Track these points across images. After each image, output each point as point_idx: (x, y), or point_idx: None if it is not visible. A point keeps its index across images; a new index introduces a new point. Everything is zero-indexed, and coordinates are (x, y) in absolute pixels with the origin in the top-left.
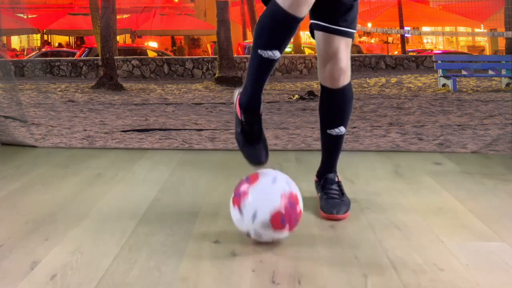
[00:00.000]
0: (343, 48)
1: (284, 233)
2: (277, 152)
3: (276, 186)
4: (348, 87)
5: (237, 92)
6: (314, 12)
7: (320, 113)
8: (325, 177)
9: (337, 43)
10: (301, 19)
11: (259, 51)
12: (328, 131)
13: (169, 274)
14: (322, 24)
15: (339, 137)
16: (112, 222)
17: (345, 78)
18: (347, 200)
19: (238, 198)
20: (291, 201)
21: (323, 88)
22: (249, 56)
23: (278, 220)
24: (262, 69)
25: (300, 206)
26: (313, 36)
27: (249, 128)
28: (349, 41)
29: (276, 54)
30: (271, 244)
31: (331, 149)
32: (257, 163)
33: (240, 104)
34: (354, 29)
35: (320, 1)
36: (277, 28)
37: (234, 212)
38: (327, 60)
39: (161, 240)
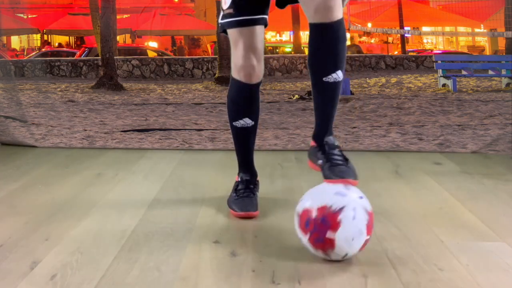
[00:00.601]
0: None
1: (303, 239)
2: (277, 152)
3: (357, 221)
4: (341, 21)
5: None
6: None
7: (312, 59)
8: (325, 141)
9: None
10: (256, 84)
11: (233, 124)
12: (324, 79)
13: (169, 274)
14: None
15: (338, 84)
16: (112, 222)
17: (340, 9)
18: (352, 166)
19: (322, 244)
20: (326, 219)
21: (314, 26)
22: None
23: (304, 220)
24: (242, 138)
25: (337, 233)
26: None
27: (245, 187)
28: None
29: (247, 121)
30: (271, 244)
31: (328, 102)
32: (245, 212)
33: (239, 174)
34: None
35: None
36: (240, 98)
37: (317, 253)
38: None
39: (161, 240)
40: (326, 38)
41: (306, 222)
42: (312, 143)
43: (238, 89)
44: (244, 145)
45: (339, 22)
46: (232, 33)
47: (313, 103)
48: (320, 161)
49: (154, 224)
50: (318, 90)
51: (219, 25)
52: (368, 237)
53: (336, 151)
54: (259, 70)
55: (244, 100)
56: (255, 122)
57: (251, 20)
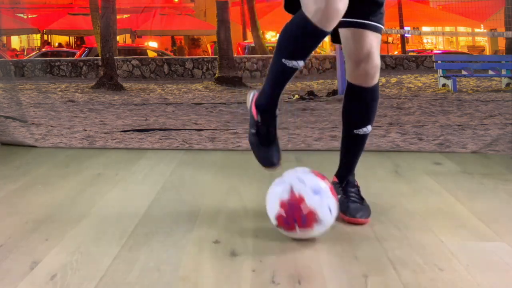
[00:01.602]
0: (376, 44)
1: (297, 232)
2: None
3: (279, 189)
4: (377, 85)
5: (252, 94)
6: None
7: (347, 113)
8: (347, 179)
9: (370, 39)
10: (330, 32)
11: (283, 60)
12: (355, 131)
13: (169, 274)
14: (351, 20)
15: (365, 136)
16: (112, 222)
17: (378, 75)
18: (367, 205)
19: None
20: (291, 203)
21: (354, 87)
22: (249, 56)
23: (282, 222)
24: (284, 77)
25: (308, 203)
26: (334, 40)
27: (265, 129)
28: (379, 37)
29: (300, 64)
30: (271, 244)
31: (355, 149)
32: (269, 165)
33: (257, 106)
34: (383, 25)
35: None
36: (304, 40)
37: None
38: (361, 58)
39: (161, 240)
40: (366, 98)
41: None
42: (334, 178)
43: (307, 30)
44: (282, 86)
45: (376, 86)
46: None
47: (340, 146)
48: (339, 196)
49: (154, 224)
50: (347, 140)
51: None
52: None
53: (354, 190)
54: (339, 17)
55: (310, 43)
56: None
57: None
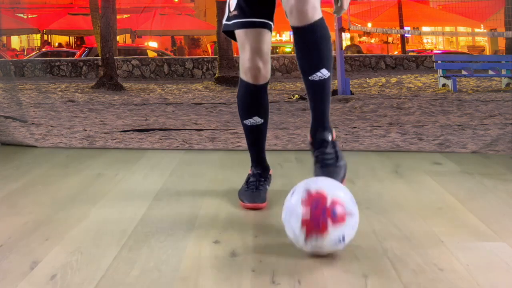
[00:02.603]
0: None
1: (330, 231)
2: (277, 152)
3: (294, 197)
4: (320, 22)
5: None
6: None
7: (299, 61)
8: (317, 137)
9: None
10: (262, 85)
11: (244, 122)
12: (310, 78)
13: (169, 274)
14: None
15: (324, 82)
16: (112, 222)
17: (316, 12)
18: (343, 164)
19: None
20: (314, 202)
21: (293, 29)
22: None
23: (311, 225)
24: (253, 136)
25: (330, 195)
26: None
27: (256, 180)
28: None
29: (257, 119)
30: (271, 244)
31: (317, 98)
32: (252, 203)
33: (251, 168)
34: None
35: None
36: (248, 98)
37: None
38: None
39: (161, 240)
40: (306, 40)
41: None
42: (309, 137)
43: (245, 90)
44: (255, 142)
45: (316, 24)
46: (238, 34)
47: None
48: (313, 159)
49: (154, 224)
50: (307, 89)
51: (223, 25)
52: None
53: (327, 149)
54: (265, 71)
55: (252, 99)
56: (264, 120)
57: (256, 22)
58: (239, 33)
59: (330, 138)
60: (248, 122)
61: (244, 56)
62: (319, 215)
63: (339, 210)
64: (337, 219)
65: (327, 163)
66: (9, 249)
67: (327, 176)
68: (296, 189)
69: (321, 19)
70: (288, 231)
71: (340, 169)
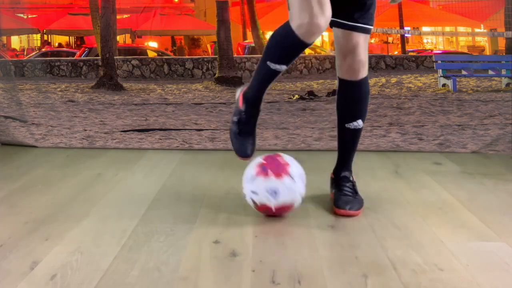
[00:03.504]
0: (362, 42)
1: (273, 180)
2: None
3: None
4: (366, 80)
5: (242, 87)
6: (334, 9)
7: (338, 108)
8: (341, 175)
9: (356, 38)
10: (311, 44)
11: (268, 62)
12: (346, 125)
13: (169, 274)
14: (341, 21)
15: (357, 131)
16: (112, 222)
17: (364, 70)
18: (360, 199)
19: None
20: (263, 211)
21: (342, 81)
22: (249, 56)
23: (260, 169)
24: (268, 77)
25: (273, 205)
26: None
27: (246, 119)
28: (367, 36)
29: (283, 67)
30: (271, 244)
31: (348, 144)
32: (243, 155)
33: (244, 97)
34: (372, 25)
35: None
36: (287, 48)
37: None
38: (347, 54)
39: (161, 240)
40: (353, 92)
41: (262, 167)
42: (331, 175)
43: (292, 42)
44: (269, 82)
45: (363, 81)
46: None
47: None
48: (333, 191)
49: (154, 224)
50: (340, 134)
51: None
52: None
53: (348, 184)
54: (324, 29)
55: (292, 51)
56: (287, 67)
57: None
58: None
59: (351, 178)
60: (273, 66)
61: (306, 4)
62: (268, 165)
63: (283, 168)
64: (279, 173)
65: (346, 193)
66: (9, 249)
67: (346, 203)
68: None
69: (367, 77)
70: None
71: (357, 200)
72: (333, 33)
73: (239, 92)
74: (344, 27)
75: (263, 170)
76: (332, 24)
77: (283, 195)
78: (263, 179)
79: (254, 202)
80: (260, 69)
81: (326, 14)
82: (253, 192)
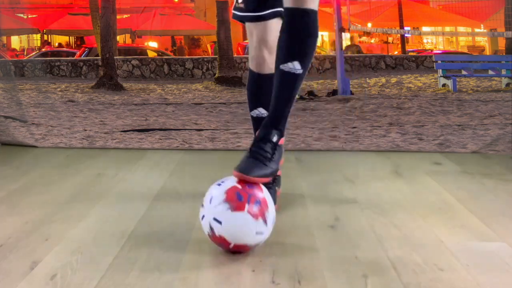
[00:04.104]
0: None
1: (245, 217)
2: None
3: (222, 186)
4: (312, 15)
5: None
6: None
7: (277, 47)
8: (260, 132)
9: None
10: (267, 75)
11: (250, 112)
12: (280, 66)
13: (169, 274)
14: None
15: (291, 76)
16: (112, 222)
17: (313, 2)
18: (274, 167)
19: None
20: (217, 242)
21: (286, 11)
22: (248, 56)
23: (234, 196)
24: (256, 127)
25: (269, 201)
26: None
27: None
28: None
29: (262, 111)
30: (271, 244)
31: (279, 92)
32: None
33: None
34: None
35: None
36: (255, 87)
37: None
38: None
39: (161, 240)
40: (292, 25)
41: (237, 195)
42: (257, 133)
43: (252, 79)
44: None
45: (308, 12)
46: (246, 25)
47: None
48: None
49: (154, 224)
50: (275, 79)
51: (232, 13)
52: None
53: (265, 146)
54: (271, 62)
55: (256, 89)
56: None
57: (260, 16)
58: (246, 24)
59: (275, 139)
60: (254, 113)
61: (251, 44)
62: (244, 193)
63: (263, 204)
64: (257, 212)
65: (256, 156)
66: (9, 249)
67: (249, 167)
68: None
69: (315, 12)
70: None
71: (266, 168)
72: None
73: None
74: None
75: (238, 199)
76: None
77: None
78: (231, 211)
79: (211, 229)
80: (251, 121)
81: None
82: (216, 220)
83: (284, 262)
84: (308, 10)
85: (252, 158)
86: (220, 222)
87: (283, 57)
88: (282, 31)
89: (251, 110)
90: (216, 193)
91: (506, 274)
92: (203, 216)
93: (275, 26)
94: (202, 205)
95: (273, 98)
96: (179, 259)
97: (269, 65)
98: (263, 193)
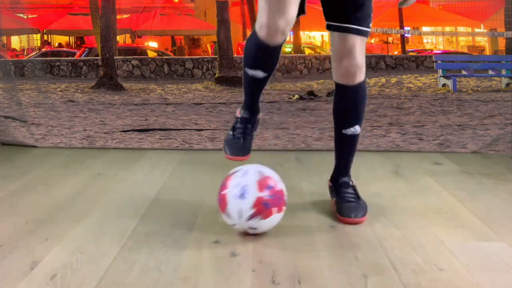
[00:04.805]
0: (358, 45)
1: (276, 217)
2: (277, 152)
3: (248, 177)
4: (363, 84)
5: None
6: (327, 13)
7: (335, 113)
8: (339, 182)
9: (351, 41)
10: (278, 45)
11: (246, 69)
12: (343, 131)
13: (169, 274)
14: (335, 24)
15: (354, 137)
16: (112, 222)
17: (361, 74)
18: (363, 203)
19: (222, 204)
20: (268, 185)
21: (339, 86)
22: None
23: (262, 207)
24: (251, 85)
25: (281, 185)
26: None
27: (241, 124)
28: (364, 39)
29: (259, 73)
30: (271, 244)
31: (345, 150)
32: (232, 154)
33: (240, 108)
34: (368, 27)
35: (331, 1)
36: (255, 52)
37: (224, 218)
38: (343, 57)
39: (161, 240)
40: (349, 97)
41: (264, 205)
42: (329, 183)
43: (256, 45)
44: (252, 89)
45: (360, 85)
46: None
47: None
48: (334, 198)
49: (154, 224)
50: (337, 140)
51: None
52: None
53: (349, 190)
54: (287, 31)
55: (261, 56)
56: (268, 75)
57: None
58: None
59: (351, 183)
60: (250, 72)
61: (264, 7)
62: (273, 201)
63: (283, 200)
64: (281, 210)
65: (348, 199)
66: (9, 249)
67: (350, 211)
68: (249, 171)
69: (364, 81)
70: (233, 205)
71: (361, 206)
72: (330, 37)
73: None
74: (339, 30)
75: (266, 208)
76: (329, 28)
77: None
78: (262, 220)
79: (247, 232)
80: (243, 78)
81: (286, 14)
82: (251, 228)
83: (284, 262)
84: (360, 84)
85: (347, 202)
86: (255, 228)
87: (345, 124)
88: (339, 99)
89: (247, 67)
90: (244, 207)
91: (506, 274)
92: (234, 225)
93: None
94: (229, 216)
95: (339, 156)
96: (179, 259)
97: (282, 36)
98: (277, 182)
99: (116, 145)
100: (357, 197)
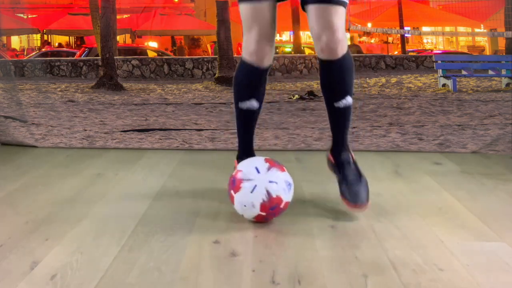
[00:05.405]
0: (337, 17)
1: (287, 174)
2: (277, 152)
3: (255, 195)
4: (347, 55)
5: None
6: None
7: (323, 87)
8: (341, 159)
9: (332, 11)
10: (268, 65)
11: (239, 104)
12: (335, 104)
13: (169, 274)
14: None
15: (347, 108)
16: (112, 222)
17: (343, 48)
18: (365, 182)
19: (237, 181)
20: (272, 206)
21: (322, 62)
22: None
23: (274, 162)
24: (246, 122)
25: (285, 199)
26: (304, 9)
27: None
28: (343, 10)
29: (254, 104)
30: (271, 244)
31: (341, 123)
32: None
33: (237, 157)
34: None
35: None
36: (250, 80)
37: (243, 192)
38: (323, 31)
39: (161, 240)
40: (333, 72)
41: (232, 179)
42: (329, 156)
43: (248, 72)
44: (247, 126)
45: (343, 57)
46: (245, 9)
47: (328, 121)
48: (337, 177)
49: (154, 224)
50: (331, 114)
51: None
52: (261, 213)
53: (351, 168)
54: (272, 53)
55: (252, 82)
56: (260, 106)
57: None
58: (245, 8)
59: (351, 158)
60: (244, 105)
61: (250, 37)
62: (270, 216)
63: (285, 207)
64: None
65: (352, 182)
66: (9, 249)
67: (356, 196)
68: (255, 184)
69: (348, 52)
70: (248, 168)
71: (364, 186)
72: (307, 14)
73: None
74: (318, 2)
75: (276, 163)
76: (305, 4)
77: (291, 191)
78: (280, 171)
79: (268, 194)
80: (237, 116)
81: (270, 37)
82: (271, 182)
83: (284, 262)
84: (344, 56)
85: (353, 186)
86: (276, 183)
87: (335, 97)
88: (325, 75)
89: (241, 101)
90: (258, 163)
91: (506, 274)
92: (255, 186)
93: (275, 10)
94: (248, 178)
95: (336, 129)
96: (179, 259)
97: (271, 58)
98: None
99: (116, 145)
100: (359, 174)
